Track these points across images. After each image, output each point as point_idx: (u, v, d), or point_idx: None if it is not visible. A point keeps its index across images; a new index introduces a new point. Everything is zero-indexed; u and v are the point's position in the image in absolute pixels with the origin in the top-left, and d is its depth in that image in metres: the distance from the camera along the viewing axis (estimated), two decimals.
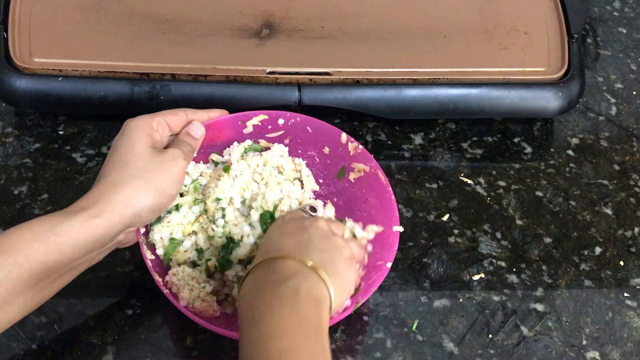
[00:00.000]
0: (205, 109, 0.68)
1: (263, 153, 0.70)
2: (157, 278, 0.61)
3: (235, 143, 0.70)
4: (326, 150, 0.71)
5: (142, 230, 0.63)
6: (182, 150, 0.63)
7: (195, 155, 0.66)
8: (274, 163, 0.69)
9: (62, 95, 0.75)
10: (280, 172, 0.69)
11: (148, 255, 0.62)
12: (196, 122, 0.66)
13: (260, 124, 0.71)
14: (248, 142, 0.71)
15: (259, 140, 0.71)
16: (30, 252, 0.53)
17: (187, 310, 0.60)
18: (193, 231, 0.66)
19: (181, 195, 0.67)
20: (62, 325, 0.64)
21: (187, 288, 0.62)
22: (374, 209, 0.68)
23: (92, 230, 0.55)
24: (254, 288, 0.54)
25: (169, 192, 0.60)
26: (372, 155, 0.68)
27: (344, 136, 0.69)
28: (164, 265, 0.64)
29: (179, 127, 0.66)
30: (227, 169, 0.67)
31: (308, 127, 0.71)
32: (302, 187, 0.70)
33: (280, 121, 0.71)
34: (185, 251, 0.65)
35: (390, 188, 0.67)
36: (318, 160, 0.72)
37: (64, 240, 0.54)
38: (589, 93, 0.87)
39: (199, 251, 0.65)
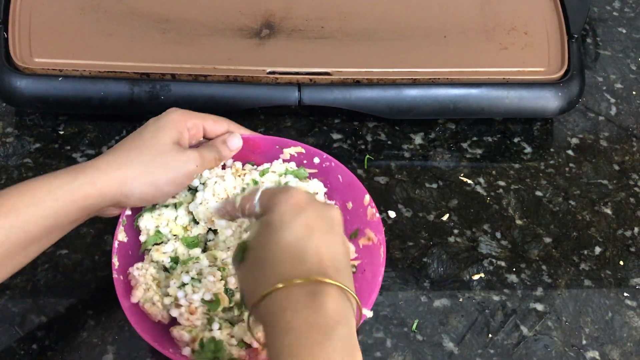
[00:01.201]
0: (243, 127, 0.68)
1: (301, 182, 0.68)
2: (115, 261, 0.61)
3: (280, 160, 0.69)
4: (349, 205, 0.68)
5: (128, 212, 0.64)
6: (202, 155, 0.63)
7: (220, 165, 0.66)
8: None
9: (62, 96, 0.75)
10: None
11: (120, 238, 0.63)
12: (237, 135, 0.66)
13: (296, 155, 0.69)
14: (292, 165, 0.69)
15: (304, 168, 0.69)
16: (29, 216, 0.54)
17: (129, 309, 0.59)
18: (175, 235, 0.65)
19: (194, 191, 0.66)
20: (62, 325, 0.64)
21: (143, 287, 0.61)
22: (364, 285, 0.62)
23: (85, 197, 0.56)
24: (297, 330, 0.46)
25: (165, 189, 0.61)
26: (383, 226, 0.65)
27: (367, 197, 0.66)
28: (139, 253, 0.64)
29: (215, 134, 0.66)
30: (255, 182, 0.66)
31: (339, 176, 0.68)
32: None
33: (316, 160, 0.69)
34: (163, 252, 0.64)
35: (383, 268, 0.62)
36: None
37: (60, 205, 0.55)
38: (589, 93, 0.87)
39: (174, 260, 0.64)
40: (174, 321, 0.61)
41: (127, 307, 0.60)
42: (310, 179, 0.69)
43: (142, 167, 0.59)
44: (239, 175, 0.67)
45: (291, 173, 0.68)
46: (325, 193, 0.69)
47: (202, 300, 0.60)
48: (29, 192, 0.55)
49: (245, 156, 0.69)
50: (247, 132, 0.68)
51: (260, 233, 0.51)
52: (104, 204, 0.58)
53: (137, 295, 0.61)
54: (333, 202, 0.68)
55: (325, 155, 0.69)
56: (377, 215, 0.65)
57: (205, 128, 0.65)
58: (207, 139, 0.66)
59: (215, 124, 0.66)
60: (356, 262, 0.65)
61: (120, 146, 0.61)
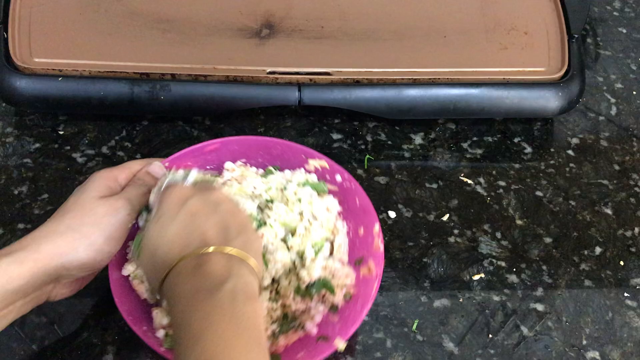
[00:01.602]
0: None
1: (317, 195, 0.66)
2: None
3: (302, 170, 0.68)
4: (361, 231, 0.66)
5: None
6: (129, 199, 0.58)
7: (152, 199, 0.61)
8: (318, 212, 0.65)
9: (62, 96, 0.75)
10: (314, 222, 0.65)
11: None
12: (157, 163, 0.63)
13: (320, 168, 0.69)
14: (314, 177, 0.68)
15: (324, 183, 0.68)
16: None
17: (116, 280, 0.60)
18: None
19: None
20: (62, 325, 0.64)
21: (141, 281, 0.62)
22: (350, 316, 0.61)
23: (12, 278, 0.52)
24: (186, 297, 0.50)
25: (105, 249, 0.57)
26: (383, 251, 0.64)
27: (377, 227, 0.65)
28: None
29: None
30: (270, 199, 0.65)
31: (357, 199, 0.67)
32: (331, 253, 0.64)
33: (338, 177, 0.68)
34: None
35: (372, 301, 0.61)
36: (351, 236, 0.67)
37: None
38: (589, 93, 0.87)
39: None
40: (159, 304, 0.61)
41: (115, 278, 0.60)
42: (329, 194, 0.67)
43: (74, 233, 0.55)
44: (240, 182, 0.66)
45: (310, 185, 0.66)
46: (339, 212, 0.67)
47: None
48: None
49: (271, 160, 0.69)
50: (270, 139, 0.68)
51: (152, 226, 0.55)
52: (39, 281, 0.54)
53: (129, 269, 0.61)
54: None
55: (347, 174, 0.68)
56: (382, 248, 0.64)
57: (134, 171, 0.62)
58: None
59: (140, 164, 0.63)
60: (352, 291, 0.63)
61: (47, 221, 0.57)
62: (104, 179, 0.59)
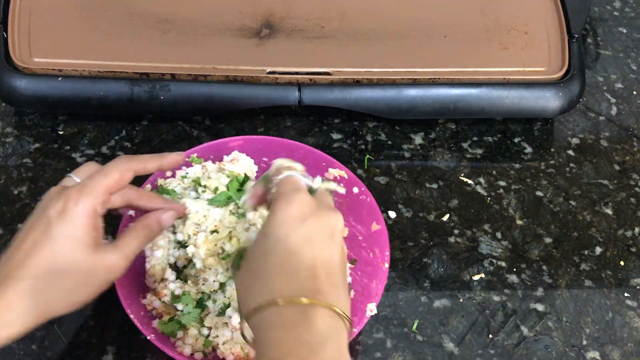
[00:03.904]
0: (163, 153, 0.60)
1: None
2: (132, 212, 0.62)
3: (319, 178, 0.68)
4: (374, 254, 0.66)
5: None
6: (127, 255, 0.54)
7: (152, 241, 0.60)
8: None
9: (62, 95, 0.75)
10: None
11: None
12: (171, 213, 0.59)
13: (338, 177, 0.69)
14: (333, 185, 0.67)
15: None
16: None
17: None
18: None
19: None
20: (62, 325, 0.64)
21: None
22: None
23: (1, 339, 0.50)
24: (287, 346, 0.46)
25: (90, 298, 0.53)
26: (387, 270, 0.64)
27: (388, 255, 0.65)
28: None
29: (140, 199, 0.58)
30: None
31: (375, 222, 0.67)
32: None
33: (355, 189, 0.68)
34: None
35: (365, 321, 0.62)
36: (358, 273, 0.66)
37: None
38: (589, 93, 0.87)
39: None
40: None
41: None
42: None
43: (62, 292, 0.51)
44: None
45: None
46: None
47: (172, 294, 0.61)
48: None
49: (290, 155, 0.69)
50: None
51: (259, 242, 0.50)
52: (25, 332, 0.51)
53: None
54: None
55: (364, 187, 0.68)
56: (386, 267, 0.64)
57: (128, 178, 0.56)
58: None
59: (141, 162, 0.57)
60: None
61: (26, 267, 0.50)
62: (90, 220, 0.52)
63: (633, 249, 0.74)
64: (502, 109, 0.79)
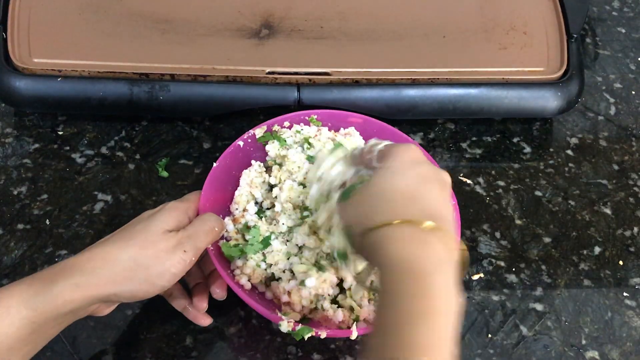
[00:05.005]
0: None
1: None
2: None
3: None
4: None
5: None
6: (192, 237, 0.58)
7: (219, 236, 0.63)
8: None
9: (62, 96, 0.75)
10: None
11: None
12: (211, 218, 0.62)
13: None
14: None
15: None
16: (2, 327, 0.51)
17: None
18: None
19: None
20: None
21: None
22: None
23: (67, 302, 0.52)
24: (409, 261, 0.48)
25: (158, 283, 0.56)
26: None
27: None
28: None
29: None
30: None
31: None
32: None
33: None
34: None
35: None
36: None
37: (37, 314, 0.52)
38: (588, 93, 0.87)
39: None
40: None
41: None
42: None
43: (132, 263, 0.54)
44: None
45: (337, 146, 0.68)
46: None
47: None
48: (4, 302, 0.51)
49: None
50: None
51: (377, 175, 0.53)
52: (89, 303, 0.54)
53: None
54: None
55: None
56: None
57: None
58: None
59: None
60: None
61: (107, 239, 0.57)
62: (174, 211, 0.59)
63: (632, 249, 0.74)
64: (501, 109, 0.79)
